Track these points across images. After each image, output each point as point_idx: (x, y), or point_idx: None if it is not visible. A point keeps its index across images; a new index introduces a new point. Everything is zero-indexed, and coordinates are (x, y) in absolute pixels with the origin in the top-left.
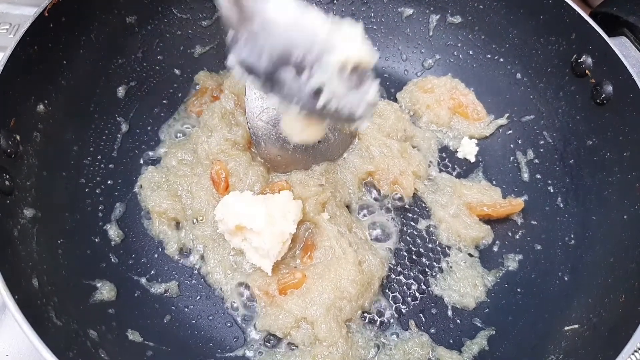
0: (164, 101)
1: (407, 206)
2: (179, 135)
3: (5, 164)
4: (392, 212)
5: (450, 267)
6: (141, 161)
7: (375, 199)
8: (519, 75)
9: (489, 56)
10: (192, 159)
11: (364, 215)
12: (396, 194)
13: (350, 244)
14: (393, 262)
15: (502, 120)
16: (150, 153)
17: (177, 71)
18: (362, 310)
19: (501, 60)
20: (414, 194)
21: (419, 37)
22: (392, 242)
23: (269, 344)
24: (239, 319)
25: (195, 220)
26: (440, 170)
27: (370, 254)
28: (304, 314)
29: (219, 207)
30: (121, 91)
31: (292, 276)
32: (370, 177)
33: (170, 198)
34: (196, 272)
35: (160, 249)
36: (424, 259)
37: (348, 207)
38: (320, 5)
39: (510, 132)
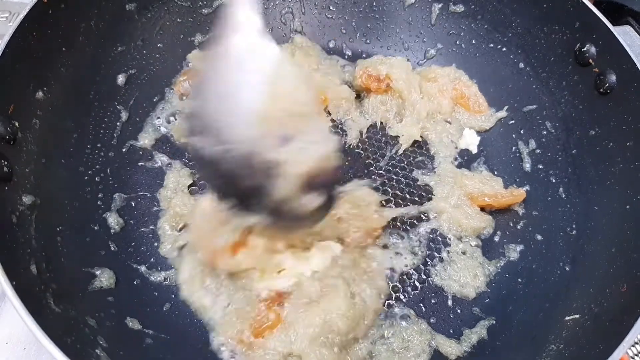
0: (164, 89)
1: (407, 195)
2: (171, 119)
3: (3, 150)
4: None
5: (451, 257)
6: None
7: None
8: (521, 65)
9: (491, 45)
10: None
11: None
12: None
13: (342, 276)
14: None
15: (503, 113)
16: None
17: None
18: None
19: (504, 49)
20: (417, 184)
21: (421, 26)
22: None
23: None
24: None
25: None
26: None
27: (367, 285)
28: (290, 349)
29: None
30: (121, 79)
31: (264, 318)
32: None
33: None
34: None
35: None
36: (424, 249)
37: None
38: None
39: (513, 122)
